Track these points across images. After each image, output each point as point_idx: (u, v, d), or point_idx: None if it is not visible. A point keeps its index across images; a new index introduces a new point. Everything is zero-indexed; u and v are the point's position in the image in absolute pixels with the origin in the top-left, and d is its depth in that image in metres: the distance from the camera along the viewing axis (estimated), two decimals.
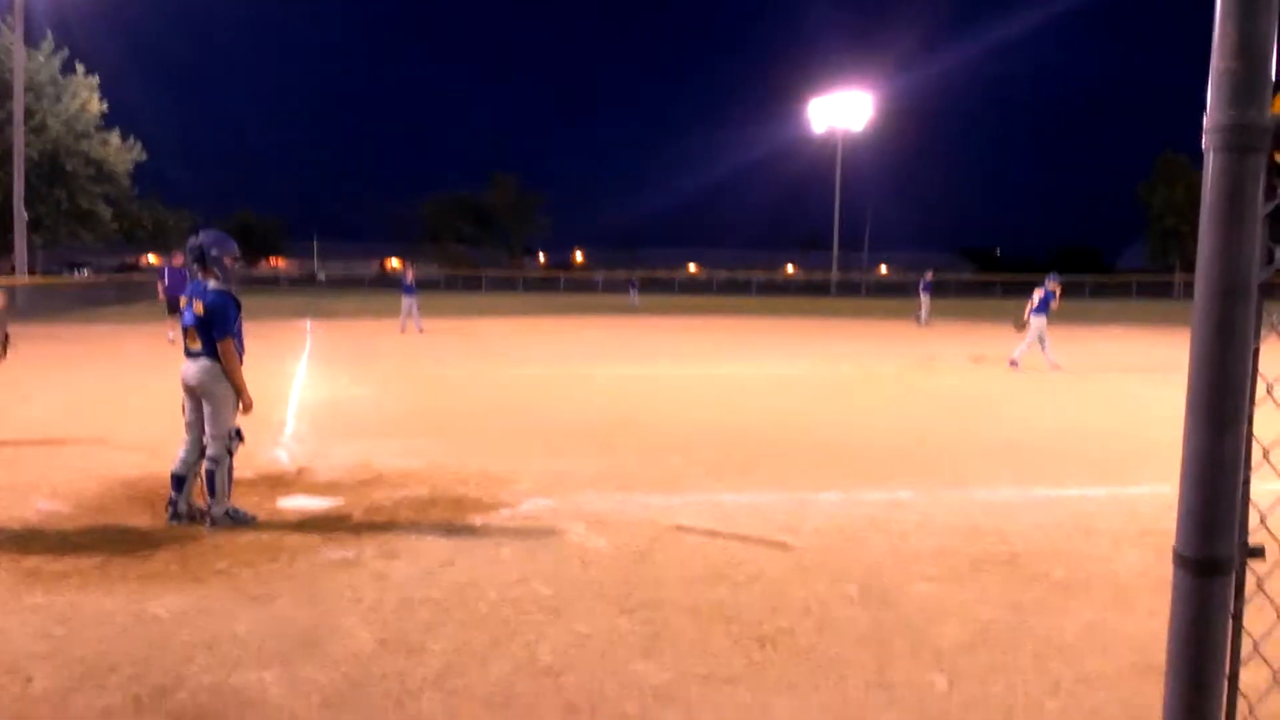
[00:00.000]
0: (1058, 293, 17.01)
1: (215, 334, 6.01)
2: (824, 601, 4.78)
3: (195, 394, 6.09)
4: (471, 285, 72.61)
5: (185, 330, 6.15)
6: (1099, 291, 67.27)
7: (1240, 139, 1.61)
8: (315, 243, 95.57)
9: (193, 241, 6.24)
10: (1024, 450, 9.08)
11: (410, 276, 25.78)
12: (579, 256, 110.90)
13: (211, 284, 6.10)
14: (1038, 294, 16.88)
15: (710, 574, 5.17)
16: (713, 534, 5.92)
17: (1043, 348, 16.89)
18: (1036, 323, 16.79)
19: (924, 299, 30.85)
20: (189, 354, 6.13)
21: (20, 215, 33.03)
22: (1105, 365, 18.41)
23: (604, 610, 4.61)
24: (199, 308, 6.01)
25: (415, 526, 6.02)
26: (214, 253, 6.16)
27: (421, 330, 24.81)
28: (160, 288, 20.77)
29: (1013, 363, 16.91)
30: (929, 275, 32.49)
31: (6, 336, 5.98)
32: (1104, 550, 5.79)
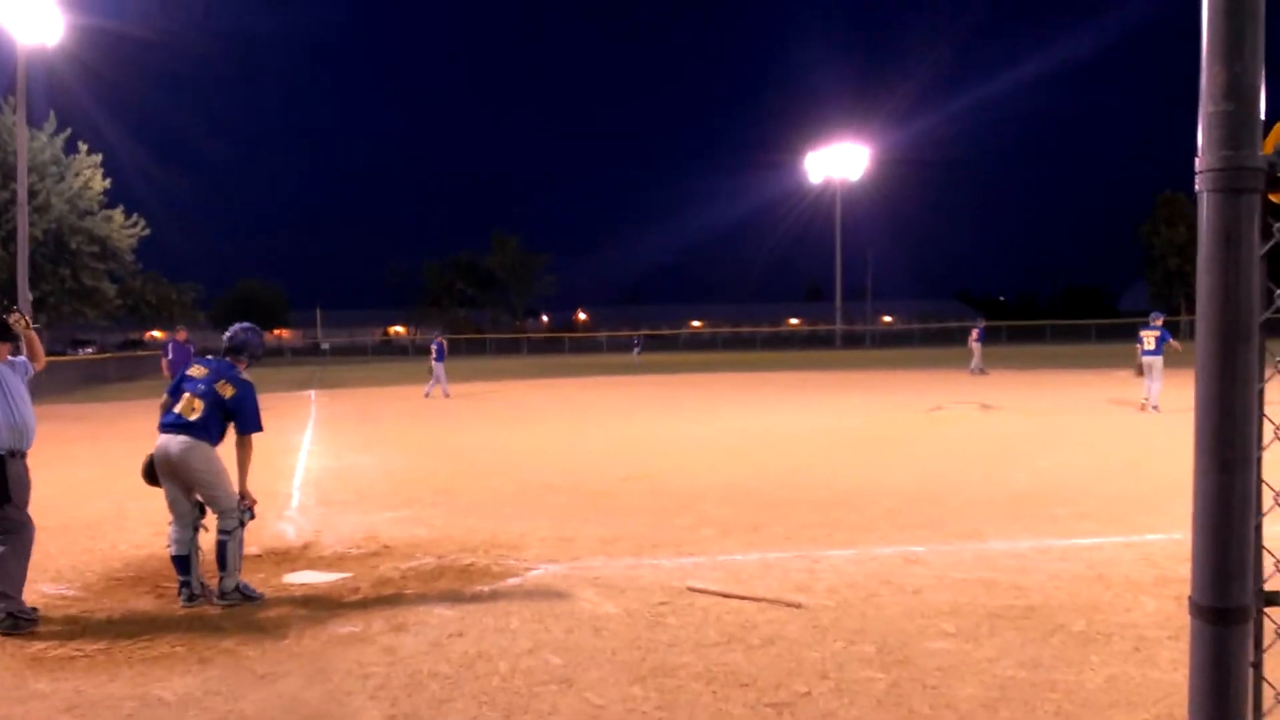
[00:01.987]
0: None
1: (243, 427, 5.95)
2: (841, 663, 4.69)
3: (175, 471, 5.85)
4: (476, 348, 72.70)
5: (187, 396, 5.92)
6: (1105, 334, 67.16)
7: (1233, 180, 1.60)
8: (319, 312, 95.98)
9: (240, 336, 6.26)
10: (1037, 499, 9.00)
11: (444, 345, 26.10)
12: (582, 315, 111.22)
13: (242, 372, 6.13)
14: (1149, 336, 17.28)
15: (724, 638, 5.09)
16: (725, 595, 5.83)
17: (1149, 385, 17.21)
18: (1154, 361, 17.13)
19: (976, 348, 31.28)
20: (175, 424, 5.86)
21: (25, 296, 33.28)
22: (1114, 409, 18.33)
23: (617, 679, 4.52)
24: (227, 390, 5.93)
25: (423, 598, 5.95)
26: (258, 351, 6.34)
27: (428, 396, 24.95)
28: (164, 363, 20.90)
29: (1154, 408, 16.88)
30: (981, 324, 33.16)
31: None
32: (1123, 600, 5.70)
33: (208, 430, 5.89)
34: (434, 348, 26.02)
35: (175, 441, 5.87)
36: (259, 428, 6.03)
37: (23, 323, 5.89)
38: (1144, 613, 5.44)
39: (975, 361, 30.95)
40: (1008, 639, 5.01)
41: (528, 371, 38.50)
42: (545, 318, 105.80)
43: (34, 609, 5.66)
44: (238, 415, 5.94)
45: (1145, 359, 17.25)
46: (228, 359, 6.16)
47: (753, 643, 5.01)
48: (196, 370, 6.10)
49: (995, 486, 9.74)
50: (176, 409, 5.94)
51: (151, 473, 6.04)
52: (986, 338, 32.09)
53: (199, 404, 5.90)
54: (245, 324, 6.44)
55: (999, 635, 5.07)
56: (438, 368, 25.54)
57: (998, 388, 24.20)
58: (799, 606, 5.60)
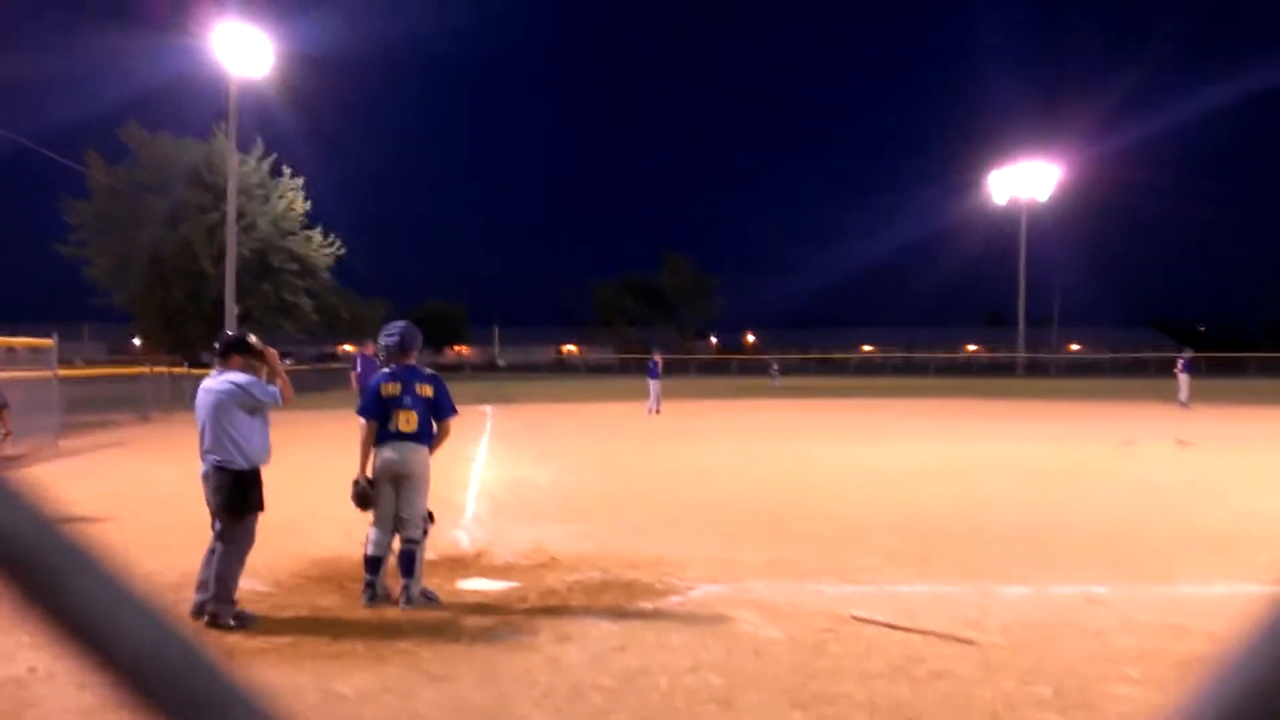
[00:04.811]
0: None
1: (446, 413, 6.38)
2: (1014, 704, 4.50)
3: (402, 478, 6.22)
4: (645, 369, 73.41)
5: (400, 414, 6.23)
6: None
7: None
8: (496, 330, 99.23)
9: (401, 334, 6.48)
10: (1235, 542, 8.38)
11: (659, 363, 27.32)
12: (751, 338, 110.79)
13: (424, 369, 6.49)
14: None
15: (889, 670, 4.97)
16: (892, 627, 5.69)
17: None
18: None
19: (1183, 379, 29.57)
20: (401, 437, 6.22)
21: (232, 310, 35.72)
22: None
23: (777, 704, 4.48)
24: (427, 390, 6.31)
25: (587, 611, 6.05)
26: (418, 340, 6.61)
27: (658, 412, 25.74)
28: (353, 376, 21.99)
29: None
30: (1188, 354, 31.36)
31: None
32: None
33: (426, 435, 6.32)
34: (650, 366, 27.16)
35: (403, 448, 6.23)
36: (455, 412, 6.49)
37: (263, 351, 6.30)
38: None
39: (1182, 393, 29.09)
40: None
41: (696, 392, 38.64)
42: (714, 339, 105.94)
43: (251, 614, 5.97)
44: (439, 406, 6.36)
45: None
46: (404, 362, 6.45)
47: (919, 676, 4.87)
48: (392, 388, 6.30)
49: (1189, 527, 9.12)
50: (395, 427, 6.24)
51: (363, 497, 6.37)
52: (1187, 369, 29.96)
53: (413, 415, 6.25)
54: (396, 323, 6.64)
55: (1186, 684, 4.74)
56: (654, 385, 26.27)
57: (1196, 422, 22.68)
58: (971, 643, 5.40)
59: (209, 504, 5.98)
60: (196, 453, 6.06)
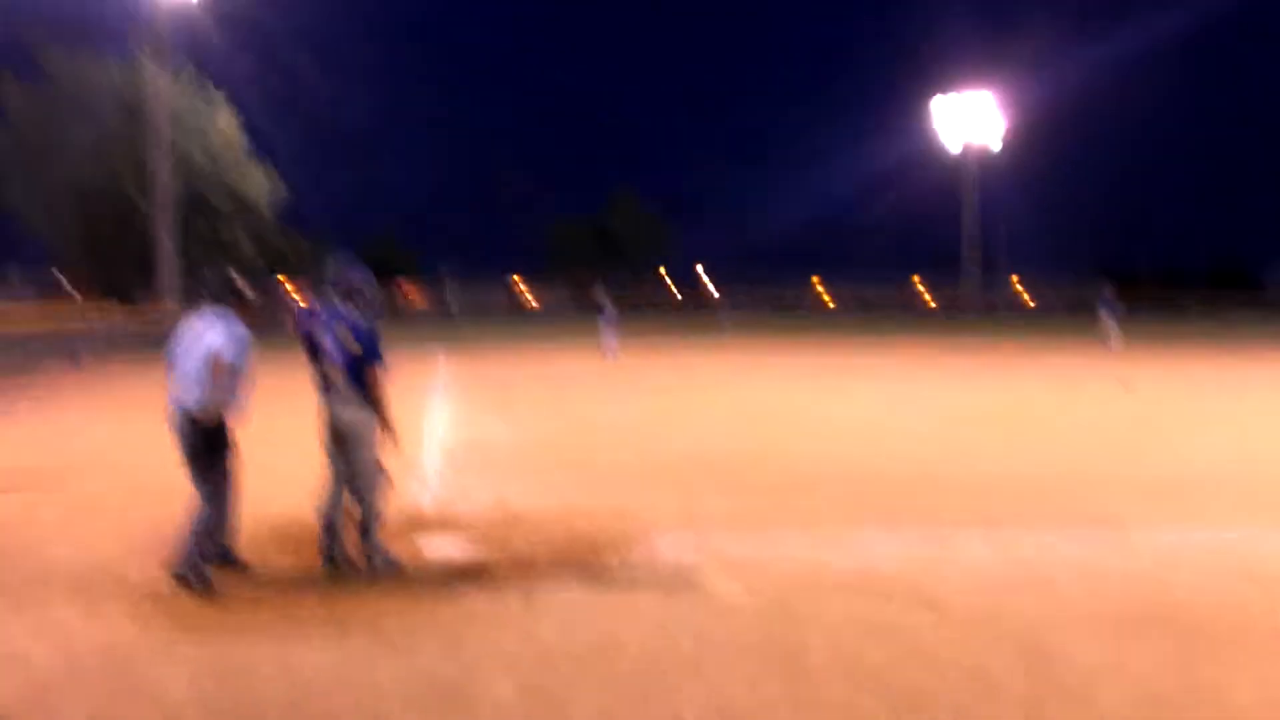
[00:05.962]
0: None
1: (368, 359, 5.89)
2: (977, 660, 4.57)
3: (336, 435, 5.99)
4: (597, 312, 72.96)
5: (330, 369, 5.97)
6: (1250, 311, 63.50)
7: None
8: (446, 279, 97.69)
9: (341, 274, 6.20)
10: (1184, 488, 8.58)
11: (609, 306, 27.07)
12: (704, 278, 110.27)
13: (354, 312, 6.08)
14: None
15: (854, 626, 5.02)
16: (854, 582, 5.75)
17: None
18: None
19: (1107, 321, 29.28)
20: (328, 390, 5.98)
21: (166, 245, 34.34)
22: (1265, 393, 17.35)
23: (746, 667, 4.50)
24: (349, 338, 5.91)
25: (554, 572, 6.01)
26: (367, 288, 6.19)
27: (616, 358, 25.50)
28: (291, 322, 21.35)
29: None
30: (1107, 292, 30.43)
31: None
32: (1277, 600, 5.40)
33: (356, 388, 5.93)
34: (601, 310, 27.05)
35: (330, 402, 5.99)
36: (377, 357, 5.95)
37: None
38: None
39: (1109, 336, 29.31)
40: (1153, 640, 4.81)
41: (649, 336, 38.51)
42: (667, 278, 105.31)
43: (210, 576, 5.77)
44: (363, 353, 5.91)
45: None
46: (340, 305, 6.11)
47: (883, 633, 4.93)
48: (322, 336, 6.06)
49: (1139, 473, 9.31)
50: (326, 379, 6.03)
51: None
52: (1127, 312, 29.81)
53: (337, 365, 5.95)
54: (340, 266, 6.29)
55: (1144, 636, 4.87)
56: (608, 330, 26.32)
57: (1139, 365, 23.13)
58: (932, 602, 5.47)
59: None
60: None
